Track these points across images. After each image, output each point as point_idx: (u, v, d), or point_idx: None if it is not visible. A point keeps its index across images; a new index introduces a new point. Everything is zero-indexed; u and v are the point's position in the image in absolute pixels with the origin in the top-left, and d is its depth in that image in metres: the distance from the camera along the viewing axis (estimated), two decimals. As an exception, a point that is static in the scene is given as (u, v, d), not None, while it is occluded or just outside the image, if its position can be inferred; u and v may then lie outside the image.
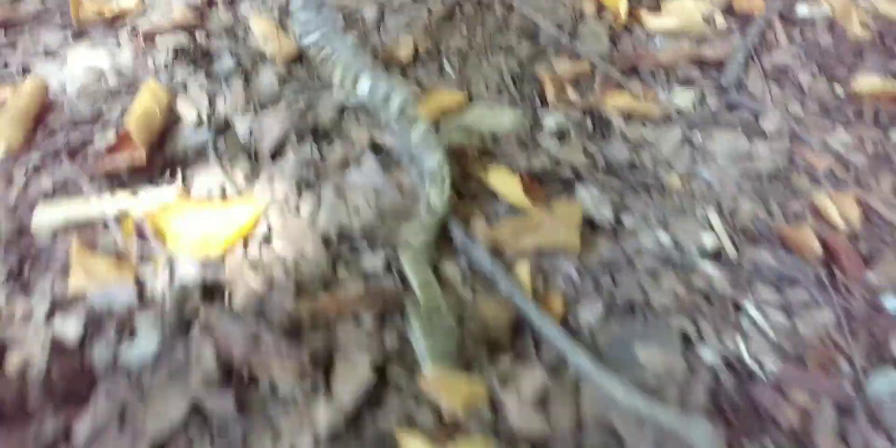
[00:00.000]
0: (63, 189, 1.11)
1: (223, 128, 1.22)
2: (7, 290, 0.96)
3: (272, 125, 1.18)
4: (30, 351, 0.88)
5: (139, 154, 1.10)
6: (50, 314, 0.92)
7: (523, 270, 0.98)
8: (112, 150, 1.13)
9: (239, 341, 0.84)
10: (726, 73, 1.41)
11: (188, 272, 0.95)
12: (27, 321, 0.92)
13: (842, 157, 1.27)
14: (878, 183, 1.24)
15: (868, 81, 1.34)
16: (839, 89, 1.41)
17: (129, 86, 1.34)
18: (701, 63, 1.46)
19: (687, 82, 1.42)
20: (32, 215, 1.05)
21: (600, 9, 1.59)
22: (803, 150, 1.27)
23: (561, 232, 1.02)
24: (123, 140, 1.12)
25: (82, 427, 0.80)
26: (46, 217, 1.04)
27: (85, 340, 0.89)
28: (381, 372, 0.85)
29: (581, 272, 1.00)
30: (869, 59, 1.45)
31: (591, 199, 1.09)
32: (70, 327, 0.90)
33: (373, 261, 1.01)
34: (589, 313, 0.94)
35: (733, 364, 0.90)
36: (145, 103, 1.18)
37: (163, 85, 1.27)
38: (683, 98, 1.37)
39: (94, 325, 0.90)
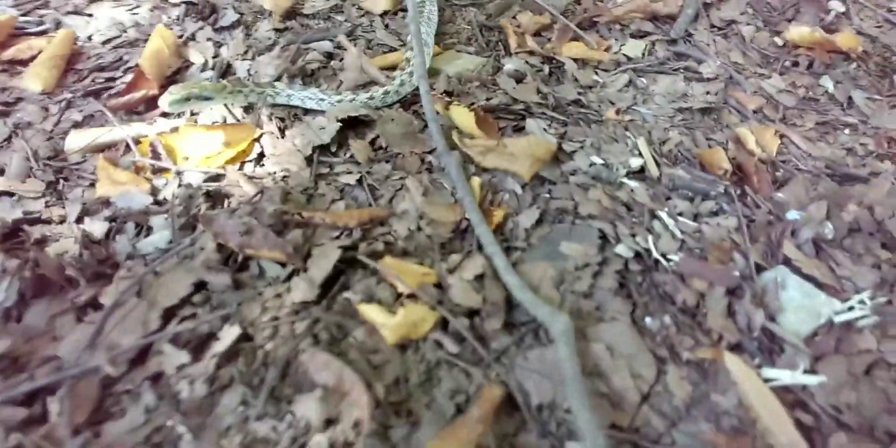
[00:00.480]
0: (90, 120, 1.31)
1: (226, 70, 1.41)
2: (46, 199, 1.16)
3: (267, 68, 1.37)
4: (65, 244, 1.09)
5: (151, 87, 1.29)
6: (81, 216, 1.12)
7: (476, 183, 1.16)
8: (129, 86, 1.32)
9: (234, 233, 1.04)
10: (676, 27, 1.56)
11: (194, 181, 1.15)
12: (62, 223, 1.13)
13: (772, 98, 1.42)
14: (803, 121, 1.39)
15: (798, 31, 1.49)
16: (779, 41, 1.56)
17: (147, 37, 1.53)
18: (654, 18, 1.61)
19: (640, 35, 1.58)
20: (65, 140, 1.25)
21: (569, -30, 1.74)
22: (737, 92, 1.42)
23: (518, 161, 1.18)
24: (138, 77, 1.32)
25: (108, 297, 1.00)
26: (77, 140, 1.23)
27: (109, 235, 1.09)
28: (349, 259, 1.04)
29: (524, 187, 1.17)
30: (806, 13, 1.58)
31: (538, 130, 1.26)
32: (97, 226, 1.10)
33: (348, 178, 1.19)
34: (526, 219, 1.12)
35: (642, 257, 1.07)
36: (155, 44, 1.37)
37: (172, 32, 1.45)
38: (634, 48, 1.52)
39: (116, 223, 1.11)
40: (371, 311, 0.97)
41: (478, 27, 1.52)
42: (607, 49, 1.51)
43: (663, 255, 1.07)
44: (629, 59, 1.49)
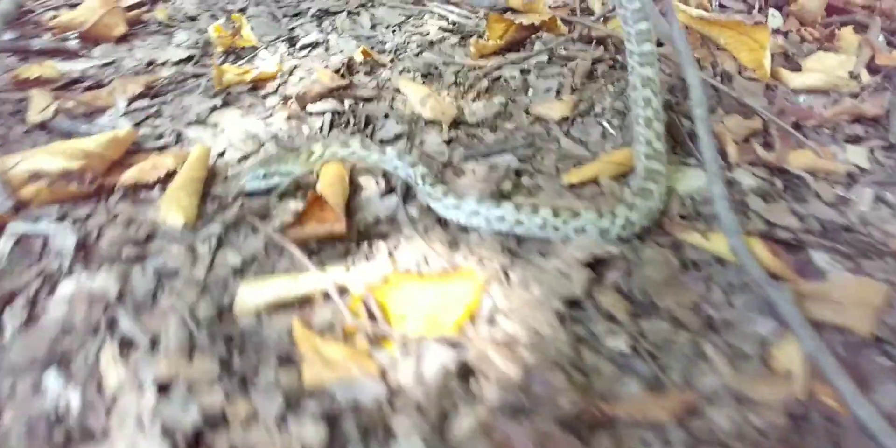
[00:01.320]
0: (253, 265, 1.03)
1: (406, 194, 1.15)
2: (224, 386, 0.85)
3: (469, 191, 1.12)
4: (268, 458, 0.77)
5: (339, 223, 1.02)
6: (283, 413, 0.81)
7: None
8: (304, 219, 1.05)
9: (526, 445, 0.74)
10: (893, 130, 1.38)
11: (433, 357, 0.85)
12: (253, 422, 0.81)
13: None
14: None
15: None
16: None
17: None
18: (859, 120, 1.43)
19: (853, 139, 1.39)
20: (229, 294, 0.96)
21: (741, 68, 1.58)
22: None
23: (850, 311, 0.91)
24: (318, 208, 1.05)
25: None
26: (252, 296, 0.94)
27: (333, 444, 0.78)
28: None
29: (855, 348, 0.91)
30: None
31: (827, 265, 1.02)
32: (309, 430, 0.79)
33: (614, 342, 0.91)
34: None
35: None
36: (333, 169, 1.12)
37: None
38: (857, 156, 1.32)
39: (338, 425, 0.80)
40: None
41: (685, 133, 1.31)
42: (830, 156, 1.31)
43: None
44: (861, 169, 1.29)
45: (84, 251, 1.06)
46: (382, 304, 0.92)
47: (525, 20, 1.60)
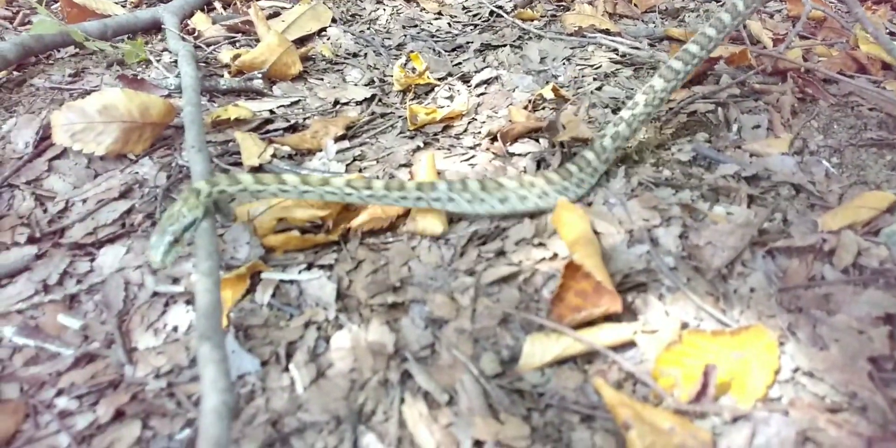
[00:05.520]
0: (510, 323, 1.01)
1: (653, 243, 1.13)
2: (535, 448, 0.83)
3: (723, 239, 1.08)
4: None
5: (615, 302, 0.95)
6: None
7: None
8: (563, 292, 0.99)
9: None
10: None
11: (766, 427, 0.81)
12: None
13: None
14: None
15: None
16: None
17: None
18: None
19: None
20: (503, 346, 0.95)
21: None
22: None
23: None
24: (578, 280, 0.99)
25: None
26: (538, 351, 0.93)
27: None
28: None
29: None
30: None
31: None
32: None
33: (937, 406, 0.86)
34: None
35: None
36: (579, 226, 1.09)
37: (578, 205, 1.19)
38: None
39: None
40: None
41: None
42: None
43: None
44: None
45: (342, 299, 1.07)
46: (684, 366, 0.89)
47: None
